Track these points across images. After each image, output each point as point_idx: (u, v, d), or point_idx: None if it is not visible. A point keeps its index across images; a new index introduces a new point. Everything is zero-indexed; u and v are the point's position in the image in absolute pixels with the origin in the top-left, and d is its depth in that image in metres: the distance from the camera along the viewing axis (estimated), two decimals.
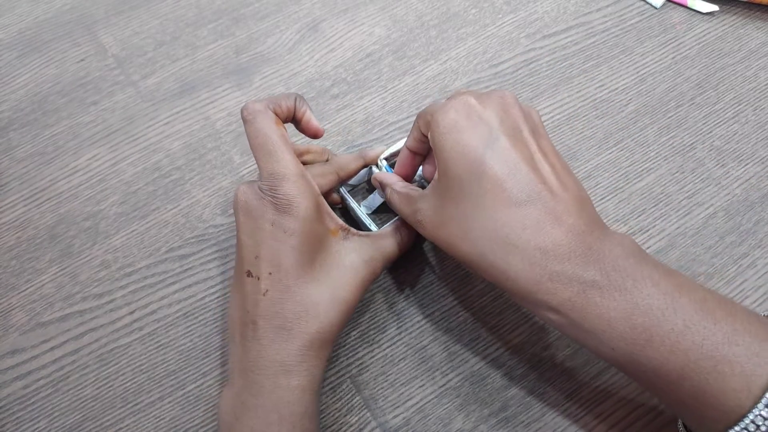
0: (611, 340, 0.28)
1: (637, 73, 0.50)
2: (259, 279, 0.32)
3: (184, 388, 0.39)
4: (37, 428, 0.38)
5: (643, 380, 0.29)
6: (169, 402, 0.38)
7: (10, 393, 0.39)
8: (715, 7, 0.52)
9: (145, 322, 0.41)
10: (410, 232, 0.39)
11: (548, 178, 0.30)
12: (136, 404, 0.38)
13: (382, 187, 0.39)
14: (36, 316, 0.41)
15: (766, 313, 0.29)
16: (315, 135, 0.38)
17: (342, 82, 0.50)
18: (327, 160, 0.41)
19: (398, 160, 0.39)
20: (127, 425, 0.38)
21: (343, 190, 0.41)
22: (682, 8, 0.53)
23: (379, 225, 0.41)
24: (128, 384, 0.39)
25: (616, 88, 0.49)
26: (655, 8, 0.53)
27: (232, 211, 0.43)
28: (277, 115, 0.35)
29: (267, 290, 0.32)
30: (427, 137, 0.34)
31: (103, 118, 0.49)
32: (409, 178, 0.39)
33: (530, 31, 0.52)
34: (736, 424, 0.26)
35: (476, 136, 0.31)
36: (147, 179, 0.46)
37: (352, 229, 0.36)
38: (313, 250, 0.33)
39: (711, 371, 0.26)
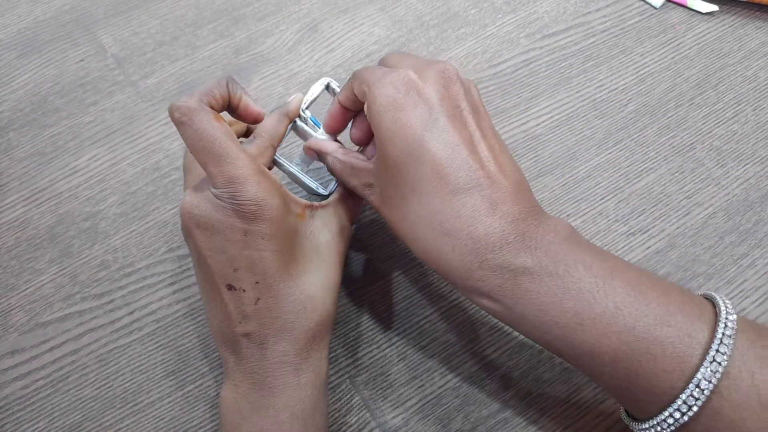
0: (544, 325, 0.28)
1: (637, 73, 0.50)
2: (245, 291, 0.31)
3: (183, 389, 0.39)
4: (36, 428, 0.38)
5: (579, 364, 0.29)
6: (169, 402, 0.38)
7: (10, 393, 0.39)
8: (714, 7, 0.52)
9: (145, 322, 0.41)
10: (356, 201, 0.37)
11: (486, 163, 0.30)
12: (136, 404, 0.38)
13: (321, 155, 0.36)
14: (35, 316, 0.41)
15: (700, 292, 0.29)
16: (256, 120, 0.34)
17: (342, 83, 0.50)
18: (247, 128, 0.39)
19: (329, 114, 0.36)
20: (126, 425, 0.38)
21: (278, 157, 0.37)
22: (681, 8, 0.53)
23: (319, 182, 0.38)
24: (128, 384, 0.39)
25: (616, 88, 0.49)
26: (655, 8, 0.53)
27: None
28: (212, 107, 0.31)
29: (258, 299, 0.31)
30: (358, 98, 0.34)
31: (103, 118, 0.49)
32: (338, 132, 0.37)
33: (530, 31, 0.52)
34: (669, 405, 0.26)
35: (415, 116, 0.30)
36: (146, 179, 0.46)
37: (314, 203, 0.35)
38: (292, 244, 0.32)
39: (644, 353, 0.26)
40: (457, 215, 0.29)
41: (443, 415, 0.38)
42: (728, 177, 0.45)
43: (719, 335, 0.26)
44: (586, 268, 0.28)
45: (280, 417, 0.30)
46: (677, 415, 0.26)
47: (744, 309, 0.40)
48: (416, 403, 0.38)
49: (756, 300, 0.40)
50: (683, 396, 0.25)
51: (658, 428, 0.27)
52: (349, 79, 0.34)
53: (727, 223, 0.43)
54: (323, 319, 0.32)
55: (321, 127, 0.38)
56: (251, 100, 0.34)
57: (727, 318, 0.26)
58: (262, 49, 0.52)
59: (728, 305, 0.27)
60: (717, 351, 0.25)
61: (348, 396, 0.38)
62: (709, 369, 0.25)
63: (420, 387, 0.38)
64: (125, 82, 0.51)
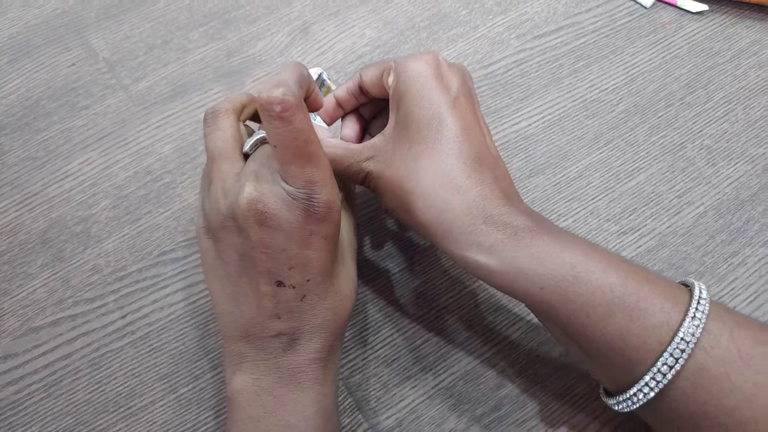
0: (541, 279, 0.29)
1: (627, 73, 0.50)
2: (294, 288, 0.30)
3: (176, 392, 0.39)
4: None
5: (571, 322, 0.29)
6: (162, 406, 0.38)
7: (3, 398, 0.39)
8: (704, 7, 0.52)
9: (137, 326, 0.41)
10: (354, 199, 0.39)
11: (491, 146, 0.34)
12: (129, 408, 0.38)
13: None
14: (28, 321, 0.41)
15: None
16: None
17: (333, 84, 0.50)
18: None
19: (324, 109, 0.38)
20: (119, 429, 0.38)
21: None
22: (671, 8, 0.53)
23: None
24: (120, 388, 0.39)
25: (607, 88, 0.49)
26: (645, 8, 0.53)
27: None
28: None
29: (304, 296, 0.30)
30: (360, 92, 0.37)
31: (95, 122, 0.49)
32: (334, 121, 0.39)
33: (521, 32, 0.53)
34: (656, 361, 0.28)
35: (441, 89, 0.33)
36: (138, 183, 0.46)
37: None
38: (337, 244, 0.32)
39: (635, 308, 0.28)
40: (468, 176, 0.31)
41: (437, 415, 0.38)
42: (719, 176, 0.45)
43: (696, 296, 0.28)
44: (573, 235, 0.31)
45: (307, 412, 0.31)
46: (665, 369, 0.27)
47: (735, 307, 0.40)
48: (409, 404, 0.38)
49: (747, 298, 0.40)
50: (670, 349, 0.27)
51: (646, 389, 0.28)
52: (356, 74, 0.37)
53: (717, 222, 0.43)
54: (349, 313, 0.33)
55: (317, 118, 0.38)
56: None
57: (700, 287, 0.29)
58: (254, 52, 0.52)
59: (700, 283, 0.30)
60: (696, 309, 0.28)
61: (341, 397, 0.38)
62: (692, 324, 0.27)
63: (413, 387, 0.38)
64: (117, 85, 0.51)
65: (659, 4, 0.54)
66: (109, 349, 0.40)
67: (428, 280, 0.42)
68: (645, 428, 0.37)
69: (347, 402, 0.38)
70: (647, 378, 0.28)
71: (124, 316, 0.41)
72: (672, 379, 0.27)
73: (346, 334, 0.40)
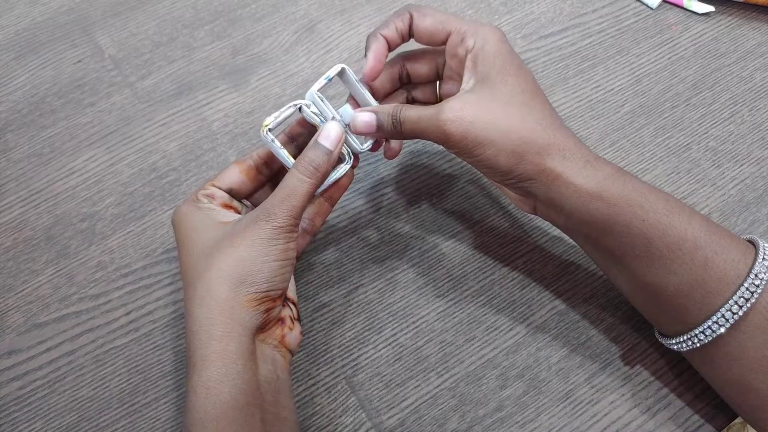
0: (645, 211, 0.32)
1: (633, 73, 0.50)
2: None
3: (179, 389, 0.39)
4: (33, 429, 0.38)
5: (663, 255, 0.31)
6: (165, 403, 0.38)
7: (7, 394, 0.39)
8: (711, 8, 0.52)
9: (141, 323, 0.41)
10: None
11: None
12: (132, 405, 0.38)
13: (375, 116, 0.36)
14: (32, 317, 0.41)
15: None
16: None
17: (339, 83, 0.50)
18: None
19: (373, 53, 0.36)
20: (122, 426, 0.38)
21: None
22: (678, 9, 0.53)
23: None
24: (124, 385, 0.39)
25: (612, 89, 0.49)
26: (651, 9, 0.53)
27: None
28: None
29: None
30: (408, 35, 0.37)
31: (100, 119, 0.49)
32: (378, 76, 0.37)
33: (526, 32, 0.53)
34: (734, 294, 0.30)
35: (522, 66, 0.36)
36: (143, 180, 0.46)
37: None
38: None
39: (717, 243, 0.31)
40: (542, 106, 0.35)
41: (439, 415, 0.38)
42: (724, 178, 0.45)
43: (762, 244, 0.31)
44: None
45: None
46: (741, 301, 0.30)
47: None
48: (412, 404, 0.38)
49: None
50: (746, 283, 0.30)
51: (722, 320, 0.30)
52: (396, 13, 0.37)
53: (722, 224, 0.43)
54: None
55: (326, 120, 0.36)
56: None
57: (763, 242, 0.32)
58: (259, 50, 0.52)
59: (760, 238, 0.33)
60: (765, 252, 0.31)
61: (344, 396, 0.38)
62: (765, 263, 0.30)
63: (416, 387, 0.38)
64: (122, 83, 0.51)
65: (665, 5, 0.53)
66: (113, 345, 0.40)
67: (430, 281, 0.42)
68: (645, 430, 0.37)
69: (350, 401, 0.38)
70: (724, 310, 0.30)
71: (128, 313, 0.41)
72: (747, 311, 0.30)
73: (350, 334, 0.40)
